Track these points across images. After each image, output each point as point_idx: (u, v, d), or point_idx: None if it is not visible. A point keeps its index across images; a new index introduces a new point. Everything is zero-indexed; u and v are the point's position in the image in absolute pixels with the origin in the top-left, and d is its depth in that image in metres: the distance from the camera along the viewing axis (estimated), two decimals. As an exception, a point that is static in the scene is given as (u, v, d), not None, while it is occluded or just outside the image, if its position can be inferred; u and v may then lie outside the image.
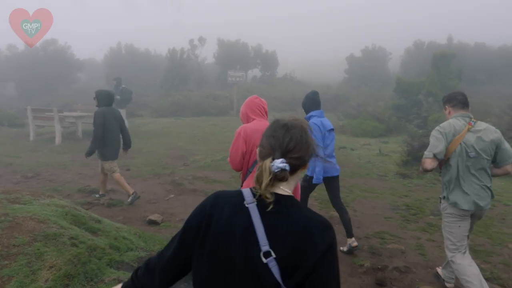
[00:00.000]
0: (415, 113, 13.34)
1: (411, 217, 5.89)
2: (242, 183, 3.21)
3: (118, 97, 13.42)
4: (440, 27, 33.48)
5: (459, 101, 3.47)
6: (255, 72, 32.87)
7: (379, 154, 10.51)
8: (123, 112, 13.41)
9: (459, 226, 3.38)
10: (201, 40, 27.89)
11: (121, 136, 6.53)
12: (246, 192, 1.29)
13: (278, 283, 1.15)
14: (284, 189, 1.28)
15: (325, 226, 1.23)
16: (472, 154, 3.25)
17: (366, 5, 69.98)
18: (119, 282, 3.06)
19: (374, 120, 13.15)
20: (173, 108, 20.88)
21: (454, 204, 3.33)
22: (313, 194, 6.81)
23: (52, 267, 2.87)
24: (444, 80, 14.25)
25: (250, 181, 2.84)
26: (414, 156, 8.66)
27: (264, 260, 1.16)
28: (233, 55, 30.28)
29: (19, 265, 2.78)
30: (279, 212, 1.23)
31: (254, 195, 1.26)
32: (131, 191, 6.30)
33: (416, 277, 4.06)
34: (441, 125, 3.45)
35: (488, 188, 3.32)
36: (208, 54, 31.03)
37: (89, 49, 33.68)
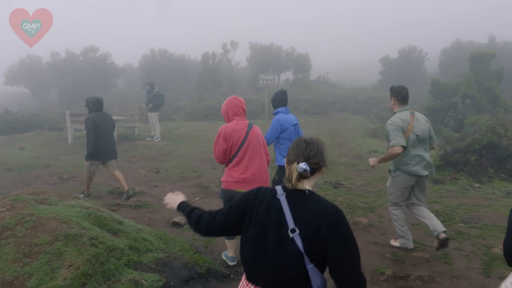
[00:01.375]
0: (451, 115, 12.83)
1: (440, 224, 5.66)
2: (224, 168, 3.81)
3: (150, 105, 13.79)
4: (481, 26, 32.11)
5: (403, 97, 4.48)
6: (288, 75, 32.84)
7: (411, 158, 10.19)
8: (155, 116, 13.78)
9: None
10: (233, 44, 28.21)
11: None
12: (278, 188, 1.81)
13: (301, 252, 1.63)
14: (305, 186, 1.78)
15: (335, 210, 1.71)
16: (420, 137, 4.35)
17: (401, 4, 68.12)
18: (135, 282, 3.15)
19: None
20: (205, 112, 21.21)
21: (408, 172, 4.38)
22: (339, 199, 6.73)
23: (70, 266, 2.98)
24: (482, 82, 13.61)
25: (230, 168, 3.68)
26: (447, 161, 8.33)
27: (291, 235, 1.66)
28: (266, 59, 30.40)
29: (40, 263, 2.91)
30: (302, 201, 1.73)
31: (283, 190, 1.79)
32: (86, 191, 6.90)
33: (439, 286, 3.89)
34: (393, 120, 4.36)
35: (429, 161, 4.45)
36: (241, 58, 31.35)
37: (126, 55, 34.90)
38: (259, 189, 1.89)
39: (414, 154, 4.32)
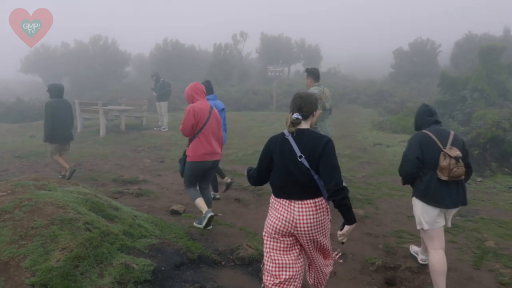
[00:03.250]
0: (459, 109, 12.68)
1: (436, 217, 5.68)
2: (189, 144, 4.54)
3: (154, 94, 13.95)
4: (496, 18, 31.41)
5: (317, 76, 6.02)
6: (298, 66, 32.68)
7: (416, 152, 10.13)
8: (164, 105, 13.91)
9: None
10: (243, 35, 28.14)
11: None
12: (286, 132, 2.68)
13: (308, 168, 2.56)
14: (303, 126, 2.69)
15: (324, 137, 2.62)
16: (327, 108, 5.94)
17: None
18: (126, 266, 3.28)
19: (414, 116, 12.67)
20: (214, 103, 21.25)
21: None
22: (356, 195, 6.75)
23: (64, 248, 3.11)
24: (492, 75, 13.38)
25: (195, 143, 4.45)
26: (450, 155, 8.26)
27: (299, 159, 2.57)
28: (276, 50, 30.29)
29: (35, 245, 3.05)
30: (303, 137, 2.62)
31: (289, 132, 2.65)
32: (67, 167, 7.22)
33: (428, 278, 3.92)
34: (312, 91, 5.52)
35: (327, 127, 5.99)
36: (251, 49, 31.26)
37: (137, 45, 35.07)
38: (271, 138, 2.78)
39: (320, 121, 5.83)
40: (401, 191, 6.93)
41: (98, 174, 8.03)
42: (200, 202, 4.58)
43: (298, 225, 2.55)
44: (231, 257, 4.09)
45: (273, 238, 2.66)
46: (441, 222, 3.39)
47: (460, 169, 3.13)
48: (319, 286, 3.02)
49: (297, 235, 2.61)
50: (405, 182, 3.53)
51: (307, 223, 2.54)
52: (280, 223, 2.59)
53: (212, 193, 5.81)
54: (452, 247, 4.67)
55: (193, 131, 4.44)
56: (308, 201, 2.56)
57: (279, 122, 14.81)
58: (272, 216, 2.67)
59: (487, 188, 7.36)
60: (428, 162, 3.27)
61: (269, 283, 2.67)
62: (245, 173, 3.02)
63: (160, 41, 30.64)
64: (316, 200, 2.58)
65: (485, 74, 13.34)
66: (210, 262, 3.90)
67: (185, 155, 4.65)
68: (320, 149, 2.53)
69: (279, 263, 2.65)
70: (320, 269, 2.90)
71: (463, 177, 3.22)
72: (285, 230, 2.59)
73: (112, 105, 15.55)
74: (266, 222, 2.74)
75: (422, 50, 27.09)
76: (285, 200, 2.61)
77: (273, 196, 2.73)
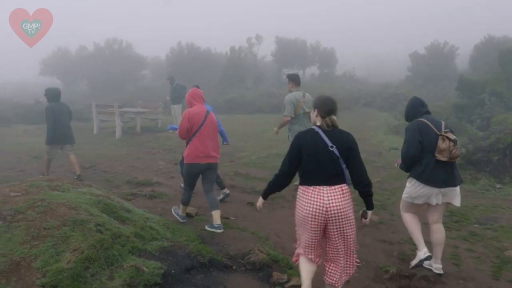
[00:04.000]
0: (478, 114, 12.40)
1: (453, 225, 5.53)
2: (186, 146, 4.72)
3: (168, 97, 14.09)
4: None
5: (297, 82, 6.68)
6: (314, 69, 32.54)
7: (432, 157, 9.95)
8: (178, 108, 14.00)
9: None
10: (258, 38, 28.15)
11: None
12: (315, 127, 3.07)
13: (338, 156, 2.93)
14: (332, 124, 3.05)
15: (351, 136, 3.07)
16: (307, 110, 6.26)
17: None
18: (137, 268, 3.27)
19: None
20: (228, 106, 21.35)
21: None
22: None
23: (75, 250, 3.12)
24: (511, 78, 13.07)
25: (190, 145, 4.61)
26: (467, 160, 8.09)
27: (331, 148, 2.94)
28: (291, 53, 30.22)
29: (46, 246, 3.06)
30: (331, 132, 3.01)
31: (317, 128, 3.04)
32: (46, 173, 7.43)
33: (444, 287, 3.83)
34: (289, 96, 6.49)
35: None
36: (266, 52, 31.21)
37: (153, 47, 35.45)
38: (299, 134, 3.16)
39: (301, 124, 6.32)
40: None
41: (113, 176, 8.09)
42: (183, 208, 5.08)
43: (328, 208, 2.88)
44: (242, 261, 4.04)
45: (305, 222, 2.98)
46: (432, 201, 3.75)
47: (458, 151, 3.57)
48: (337, 285, 3.10)
49: (327, 218, 2.91)
50: (407, 167, 3.82)
51: (335, 205, 2.88)
52: (312, 208, 2.90)
53: (222, 191, 6.26)
54: (470, 256, 4.54)
55: (188, 135, 4.63)
56: (335, 186, 2.93)
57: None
58: (303, 203, 2.96)
59: (506, 195, 7.16)
60: (427, 146, 3.62)
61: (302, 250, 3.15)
62: (269, 184, 3.33)
63: (175, 43, 30.87)
64: (342, 185, 2.96)
65: (504, 77, 13.03)
66: (220, 266, 3.86)
67: (183, 157, 4.82)
68: (349, 142, 2.99)
69: (311, 244, 3.06)
70: (342, 265, 3.08)
71: (459, 157, 3.68)
72: (317, 213, 2.89)
73: (127, 107, 15.71)
74: (297, 210, 3.06)
75: (439, 53, 26.63)
76: (315, 187, 2.93)
77: (303, 186, 3.03)
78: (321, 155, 2.95)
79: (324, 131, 3.00)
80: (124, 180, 7.71)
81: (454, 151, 3.53)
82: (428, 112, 3.86)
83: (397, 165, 4.07)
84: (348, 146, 2.97)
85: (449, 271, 4.13)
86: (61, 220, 3.37)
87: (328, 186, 2.92)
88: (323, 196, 2.90)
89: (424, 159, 3.65)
